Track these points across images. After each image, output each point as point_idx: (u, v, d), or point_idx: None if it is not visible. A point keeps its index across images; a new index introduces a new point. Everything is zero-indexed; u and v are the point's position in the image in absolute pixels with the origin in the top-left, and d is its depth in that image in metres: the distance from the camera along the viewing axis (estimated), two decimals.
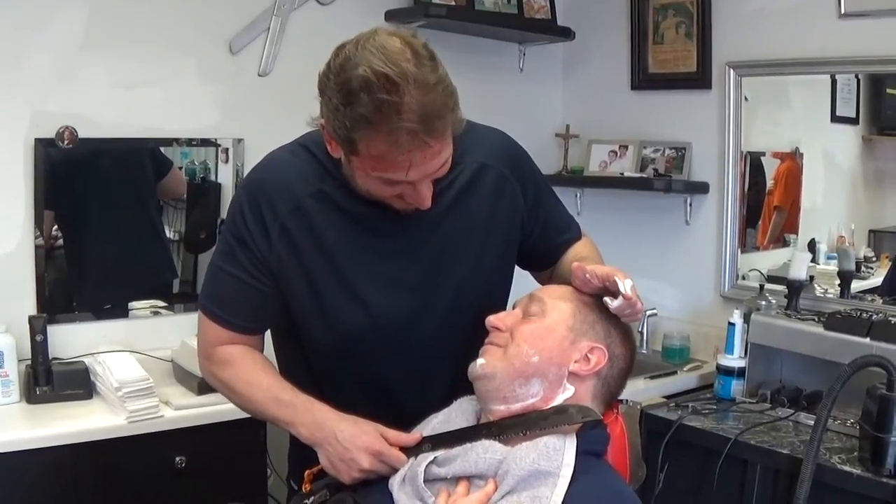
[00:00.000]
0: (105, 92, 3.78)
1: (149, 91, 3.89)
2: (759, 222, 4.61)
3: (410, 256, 2.22)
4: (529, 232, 2.41)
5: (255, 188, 2.22)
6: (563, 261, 2.48)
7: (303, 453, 2.22)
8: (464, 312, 2.28)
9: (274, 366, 2.34)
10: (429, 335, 2.26)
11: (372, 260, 2.20)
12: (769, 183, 4.58)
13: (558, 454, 1.89)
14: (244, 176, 2.36)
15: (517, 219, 2.37)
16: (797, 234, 4.52)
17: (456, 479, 1.93)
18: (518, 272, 2.52)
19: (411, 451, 2.04)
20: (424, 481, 1.94)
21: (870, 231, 4.28)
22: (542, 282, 2.57)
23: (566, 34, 4.94)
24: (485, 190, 2.30)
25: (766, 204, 4.58)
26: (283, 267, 2.18)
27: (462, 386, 2.20)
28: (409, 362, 2.27)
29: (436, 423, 2.12)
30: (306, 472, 2.17)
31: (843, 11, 3.97)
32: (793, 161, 4.50)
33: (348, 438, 2.06)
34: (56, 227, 3.77)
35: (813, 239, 4.40)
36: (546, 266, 2.54)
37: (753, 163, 4.55)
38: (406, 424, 2.14)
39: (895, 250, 4.17)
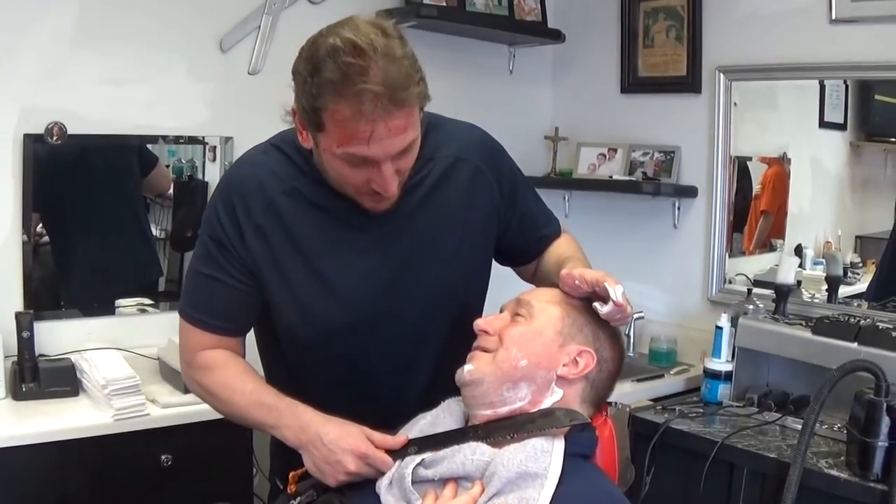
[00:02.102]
0: (94, 88, 3.77)
1: (139, 88, 3.89)
2: (746, 227, 4.61)
3: (385, 250, 2.22)
4: (507, 226, 2.41)
5: (228, 189, 2.22)
6: (547, 259, 2.49)
7: (286, 451, 2.21)
8: (441, 307, 2.29)
9: (256, 371, 2.32)
10: (405, 328, 2.26)
11: (346, 254, 2.20)
12: (756, 188, 4.58)
13: (546, 456, 1.88)
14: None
15: (493, 212, 2.37)
16: (784, 238, 4.52)
17: (443, 482, 1.93)
18: (503, 273, 2.53)
19: (397, 453, 2.03)
20: (412, 483, 1.94)
21: (856, 237, 4.29)
22: (524, 277, 2.59)
23: (556, 36, 4.94)
24: (459, 183, 2.30)
25: (753, 208, 4.59)
26: (260, 265, 2.19)
27: (440, 383, 2.22)
28: (386, 356, 2.27)
29: (423, 425, 2.11)
30: (291, 474, 2.15)
31: (833, 17, 3.98)
32: (780, 166, 4.51)
33: (334, 441, 2.05)
34: (41, 223, 3.75)
35: (800, 244, 4.40)
36: (526, 261, 2.55)
37: (740, 167, 4.56)
38: (386, 423, 2.13)
39: (881, 256, 4.18)
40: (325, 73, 1.89)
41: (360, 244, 2.21)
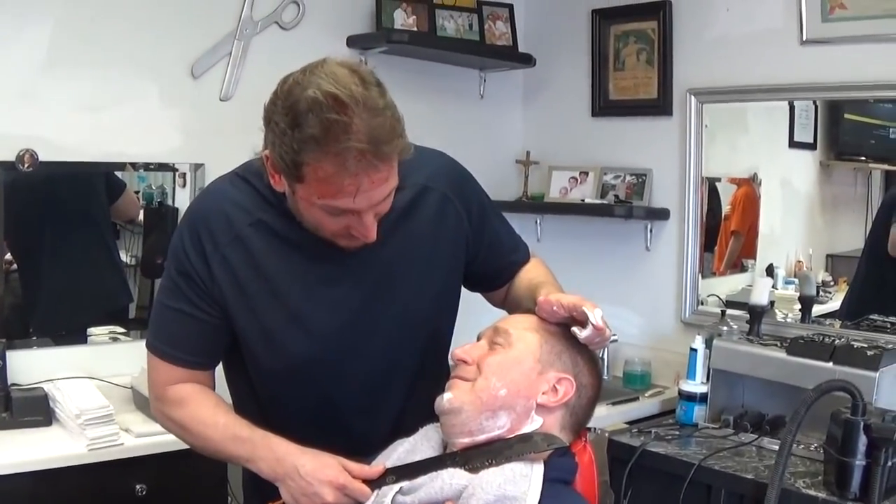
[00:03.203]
0: (66, 114, 3.76)
1: (110, 114, 3.87)
2: (716, 247, 4.64)
3: (353, 280, 2.20)
4: (475, 253, 2.41)
5: (194, 220, 2.20)
6: (518, 284, 2.48)
7: (258, 481, 2.19)
8: (410, 335, 2.28)
9: (227, 404, 2.30)
10: (376, 359, 2.25)
11: (314, 285, 2.19)
12: (725, 208, 4.60)
13: (525, 480, 1.88)
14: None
15: (461, 240, 2.36)
16: (755, 258, 4.54)
17: None
18: (473, 299, 2.52)
19: (375, 483, 2.02)
20: None
21: (827, 255, 4.32)
22: (494, 303, 2.59)
23: (527, 60, 4.96)
24: (427, 212, 2.29)
25: (723, 229, 4.62)
26: (227, 296, 2.16)
27: (412, 411, 2.24)
28: (357, 387, 2.26)
29: (401, 452, 2.10)
30: None
31: (804, 38, 4.01)
32: (749, 186, 4.54)
33: (311, 472, 2.03)
34: (9, 251, 3.73)
35: (771, 264, 4.43)
36: (496, 287, 2.54)
37: (709, 188, 4.58)
38: (358, 452, 2.12)
39: (852, 274, 4.20)
40: (306, 128, 1.87)
41: (329, 275, 2.19)
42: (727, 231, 4.62)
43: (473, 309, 2.53)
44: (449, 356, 2.17)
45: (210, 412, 2.21)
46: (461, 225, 2.34)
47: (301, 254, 2.17)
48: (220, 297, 2.16)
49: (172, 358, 2.23)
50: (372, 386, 2.27)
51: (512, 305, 2.47)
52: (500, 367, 2.02)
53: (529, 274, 2.48)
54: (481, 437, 2.00)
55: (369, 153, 1.87)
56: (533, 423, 2.00)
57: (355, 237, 2.07)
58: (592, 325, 1.99)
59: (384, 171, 1.94)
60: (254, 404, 2.30)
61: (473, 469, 1.94)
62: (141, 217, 4.17)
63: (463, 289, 2.47)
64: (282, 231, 2.16)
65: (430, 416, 2.10)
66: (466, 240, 2.37)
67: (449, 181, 2.35)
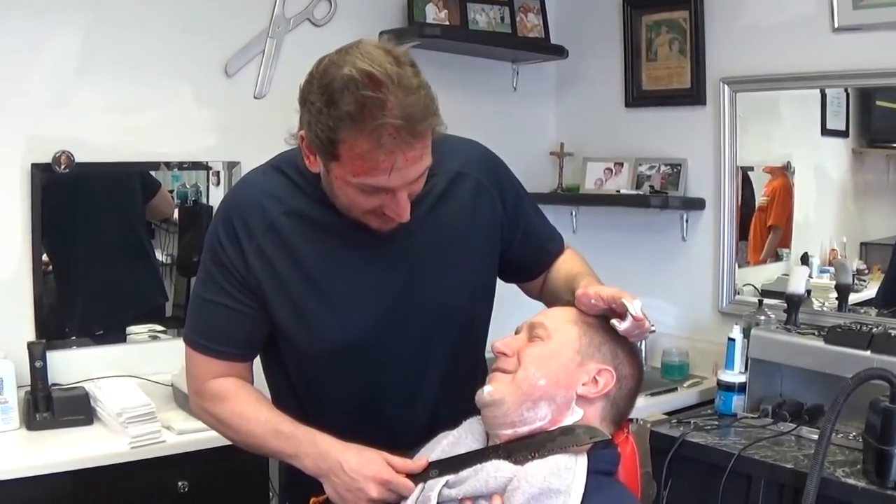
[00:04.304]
0: (101, 116, 3.79)
1: (144, 114, 3.90)
2: (750, 236, 4.63)
3: (388, 266, 2.21)
4: (511, 241, 2.41)
5: (229, 211, 2.21)
6: (555, 275, 2.48)
7: (296, 476, 2.21)
8: (446, 323, 2.28)
9: (268, 398, 2.30)
10: (411, 346, 2.25)
11: (349, 271, 2.19)
12: (761, 199, 4.59)
13: (569, 472, 1.88)
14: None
15: (496, 227, 2.36)
16: (790, 247, 4.52)
17: (466, 501, 1.92)
18: (510, 293, 2.52)
19: (418, 477, 2.03)
20: None
21: (861, 243, 4.29)
22: (531, 294, 2.59)
23: (559, 52, 4.95)
24: (462, 198, 2.29)
25: (758, 220, 4.60)
26: (263, 286, 2.17)
27: (446, 401, 2.26)
28: (392, 375, 2.25)
29: (446, 445, 2.10)
30: (312, 501, 2.15)
31: (836, 25, 3.99)
32: (784, 177, 4.51)
33: (355, 468, 2.04)
34: (45, 252, 3.76)
35: (806, 252, 4.41)
36: (531, 278, 2.54)
37: (743, 177, 4.56)
38: (395, 445, 2.12)
39: (886, 262, 4.18)
40: (342, 105, 1.88)
41: (364, 262, 2.19)
42: (762, 222, 4.60)
43: (510, 303, 2.54)
44: (489, 348, 2.17)
45: (252, 408, 2.21)
46: (496, 211, 2.35)
47: (335, 239, 2.18)
48: (256, 287, 2.17)
49: (210, 350, 2.23)
50: (408, 374, 2.27)
51: (549, 297, 2.47)
52: (539, 358, 2.02)
53: (567, 265, 2.48)
54: (524, 429, 2.00)
55: (404, 130, 1.89)
56: (574, 415, 2.00)
57: (388, 218, 2.08)
58: (632, 316, 2.00)
59: (418, 149, 1.95)
60: (292, 398, 2.31)
61: (517, 461, 1.94)
62: (176, 216, 4.19)
63: (499, 283, 2.47)
64: (316, 217, 2.17)
65: (466, 407, 2.11)
66: (501, 227, 2.37)
67: (483, 168, 2.35)
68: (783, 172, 4.53)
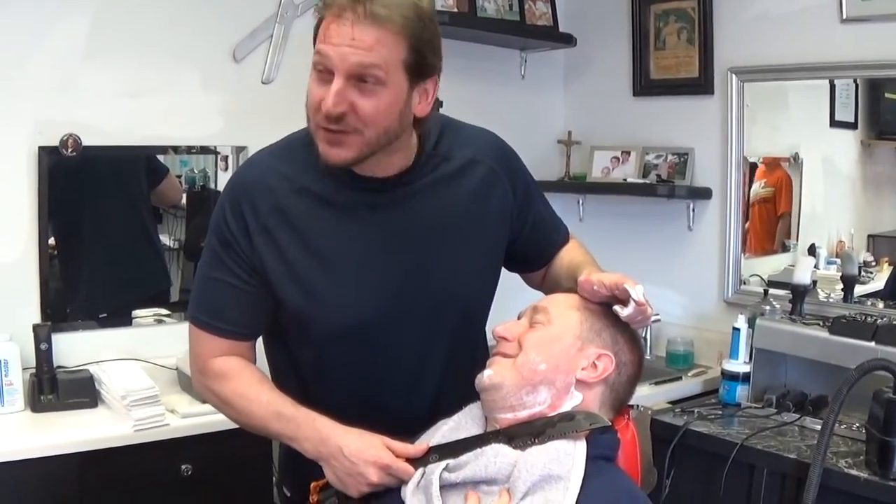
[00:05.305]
0: (108, 100, 3.79)
1: (152, 98, 3.90)
2: (751, 227, 4.62)
3: (397, 245, 2.20)
4: (519, 230, 2.41)
5: (236, 190, 2.21)
6: (558, 265, 2.49)
7: (296, 459, 2.21)
8: (450, 308, 2.28)
9: (270, 380, 2.29)
10: (415, 330, 2.24)
11: (357, 247, 2.18)
12: (761, 190, 4.58)
13: (568, 458, 1.88)
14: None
15: (507, 216, 2.37)
16: (797, 238, 4.52)
17: (466, 485, 1.92)
18: (509, 282, 2.53)
19: (418, 461, 2.03)
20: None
21: (869, 235, 4.29)
22: (532, 284, 2.60)
23: (568, 41, 4.95)
24: (472, 183, 2.29)
25: (766, 211, 4.59)
26: (267, 267, 2.16)
27: (447, 386, 2.26)
28: (395, 358, 2.25)
29: (446, 430, 2.10)
30: (312, 485, 2.15)
31: (844, 16, 3.98)
32: (782, 169, 4.52)
33: (355, 453, 2.04)
34: (52, 235, 3.77)
35: (813, 244, 4.40)
36: (536, 268, 2.55)
37: (750, 168, 4.56)
38: (396, 430, 2.11)
39: (894, 254, 4.18)
40: None
41: (372, 235, 2.19)
42: (769, 212, 4.60)
43: (510, 290, 2.53)
44: (490, 334, 2.17)
45: (254, 388, 2.21)
46: (507, 200, 2.35)
47: (342, 215, 2.18)
48: (260, 266, 2.16)
49: (214, 328, 2.23)
50: (410, 356, 2.27)
51: (551, 286, 2.47)
52: (540, 342, 2.03)
53: (569, 255, 2.49)
54: (523, 414, 2.00)
55: (366, 2, 1.92)
56: (573, 399, 2.01)
57: (331, 133, 2.04)
58: (634, 300, 2.00)
59: (368, 35, 1.94)
60: (294, 380, 2.31)
61: (517, 446, 1.94)
62: (184, 201, 4.20)
63: (502, 271, 2.47)
64: (327, 195, 2.17)
65: (467, 394, 2.11)
66: (511, 216, 2.37)
67: (496, 156, 2.35)
68: (779, 164, 4.53)
